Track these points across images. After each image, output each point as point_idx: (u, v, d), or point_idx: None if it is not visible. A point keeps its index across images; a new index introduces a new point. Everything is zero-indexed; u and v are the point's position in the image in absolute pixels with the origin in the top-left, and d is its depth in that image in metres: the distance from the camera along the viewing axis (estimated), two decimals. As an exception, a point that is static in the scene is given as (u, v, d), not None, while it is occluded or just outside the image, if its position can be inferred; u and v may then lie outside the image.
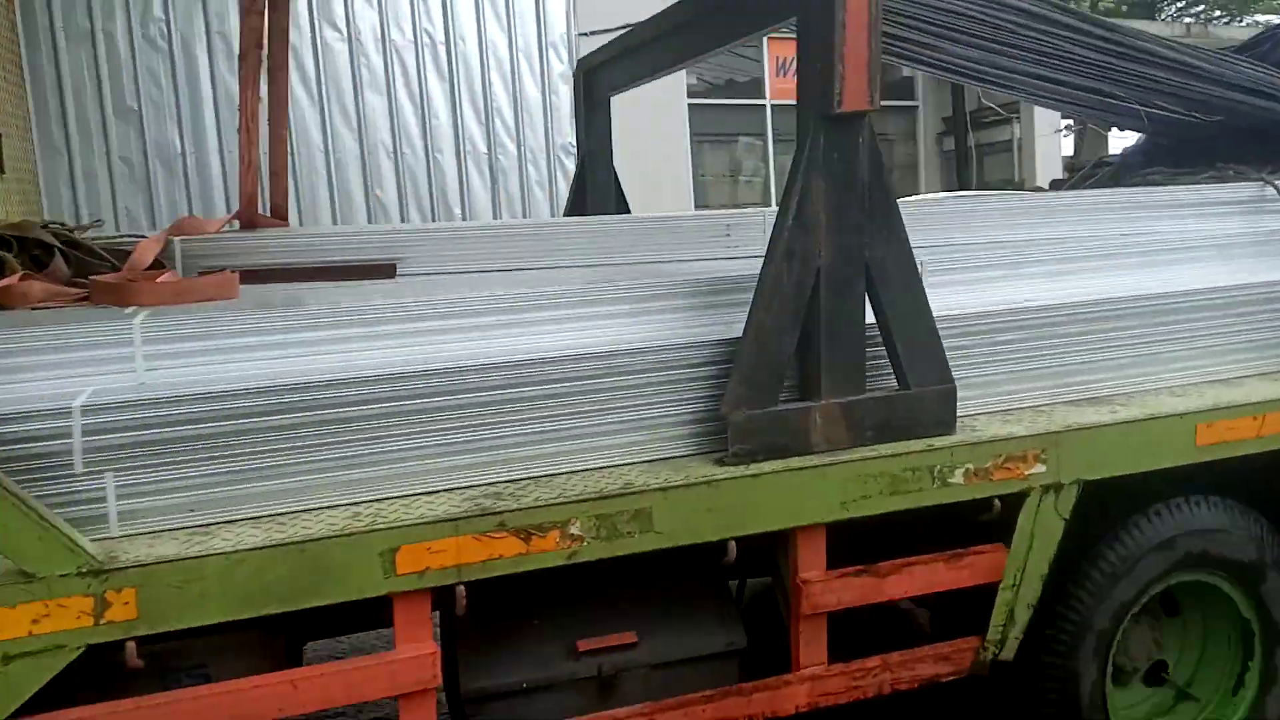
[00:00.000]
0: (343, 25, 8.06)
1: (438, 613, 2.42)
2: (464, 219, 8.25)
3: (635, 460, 2.47)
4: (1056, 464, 2.64)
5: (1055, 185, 5.12)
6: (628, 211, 4.34)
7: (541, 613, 2.56)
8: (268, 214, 3.75)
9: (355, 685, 2.17)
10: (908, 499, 2.53)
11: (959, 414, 2.72)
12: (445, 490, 2.31)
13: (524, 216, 8.45)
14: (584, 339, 2.48)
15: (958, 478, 2.56)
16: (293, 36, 7.89)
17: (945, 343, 2.71)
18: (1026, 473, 2.62)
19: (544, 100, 9.12)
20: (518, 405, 2.36)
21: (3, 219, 3.20)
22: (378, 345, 2.35)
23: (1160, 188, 3.42)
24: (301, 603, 2.09)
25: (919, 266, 2.78)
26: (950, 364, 2.70)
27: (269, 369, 2.25)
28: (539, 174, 9.19)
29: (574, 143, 9.74)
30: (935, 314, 2.72)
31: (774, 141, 12.53)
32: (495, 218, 8.36)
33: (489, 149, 8.67)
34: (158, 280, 2.61)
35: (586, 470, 2.42)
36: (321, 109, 8.09)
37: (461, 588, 2.21)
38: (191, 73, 7.69)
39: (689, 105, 11.50)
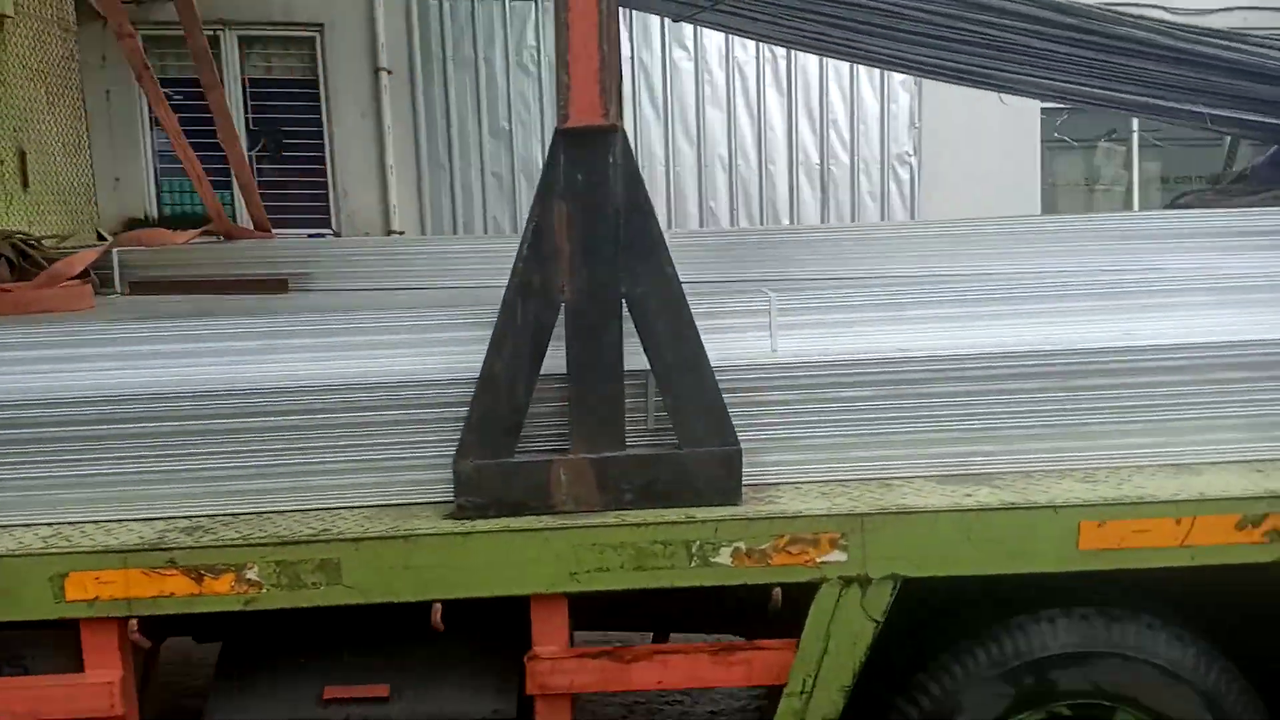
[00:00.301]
0: (690, 45, 8.55)
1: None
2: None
3: (373, 504, 2.32)
4: (862, 552, 2.16)
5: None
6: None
7: (303, 653, 2.47)
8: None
9: (34, 703, 2.20)
10: (659, 577, 2.17)
11: (784, 480, 2.33)
12: (158, 519, 2.28)
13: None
14: (329, 369, 2.35)
15: (723, 558, 2.16)
16: (644, 57, 8.53)
17: (779, 395, 2.33)
18: (819, 559, 2.16)
19: (882, 110, 9.13)
20: (237, 436, 2.28)
21: (20, 230, 3.57)
22: (117, 365, 2.35)
23: (1148, 213, 2.72)
24: (-22, 616, 2.15)
25: (768, 302, 2.43)
26: (776, 420, 2.31)
27: (13, 384, 2.33)
28: (870, 184, 9.21)
29: (910, 152, 9.55)
30: (773, 361, 2.35)
31: (1140, 147, 11.37)
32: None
33: (821, 160, 8.98)
34: (19, 289, 2.80)
35: (308, 510, 2.29)
36: (665, 125, 8.70)
37: (134, 621, 2.18)
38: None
39: (1041, 108, 10.51)
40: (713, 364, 2.23)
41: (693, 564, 2.17)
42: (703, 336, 2.23)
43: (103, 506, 2.28)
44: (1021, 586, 2.22)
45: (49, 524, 2.27)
